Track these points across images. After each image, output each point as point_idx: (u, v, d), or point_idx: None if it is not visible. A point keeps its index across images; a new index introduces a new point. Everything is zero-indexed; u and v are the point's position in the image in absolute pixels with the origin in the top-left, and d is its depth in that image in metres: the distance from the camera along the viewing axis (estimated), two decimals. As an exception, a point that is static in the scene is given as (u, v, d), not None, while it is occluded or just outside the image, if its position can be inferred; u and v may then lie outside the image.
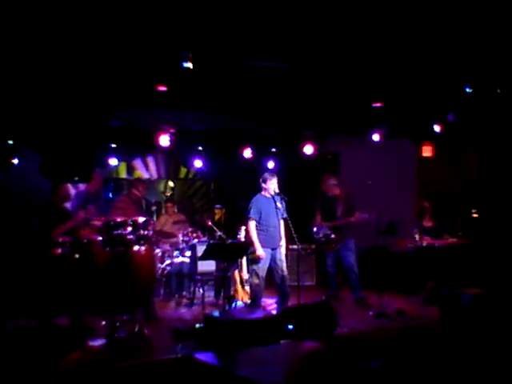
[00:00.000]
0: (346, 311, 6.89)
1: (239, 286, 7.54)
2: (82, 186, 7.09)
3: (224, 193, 10.52)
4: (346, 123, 8.68)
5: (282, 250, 6.82)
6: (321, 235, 7.59)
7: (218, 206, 8.93)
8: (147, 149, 9.62)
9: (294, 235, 6.56)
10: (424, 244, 7.94)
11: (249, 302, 7.13)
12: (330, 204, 7.82)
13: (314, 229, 7.69)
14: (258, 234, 6.68)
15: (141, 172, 10.42)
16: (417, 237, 7.93)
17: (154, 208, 8.72)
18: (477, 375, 3.98)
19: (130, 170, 10.30)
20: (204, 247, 6.23)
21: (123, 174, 10.24)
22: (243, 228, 7.29)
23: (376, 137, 8.66)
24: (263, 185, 6.79)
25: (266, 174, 6.92)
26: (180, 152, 9.86)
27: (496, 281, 7.22)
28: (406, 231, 7.96)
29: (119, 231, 5.89)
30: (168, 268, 8.16)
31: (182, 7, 4.55)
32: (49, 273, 5.93)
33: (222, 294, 6.64)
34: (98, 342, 5.47)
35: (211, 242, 7.61)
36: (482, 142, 8.67)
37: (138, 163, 10.37)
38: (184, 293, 8.13)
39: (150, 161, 10.54)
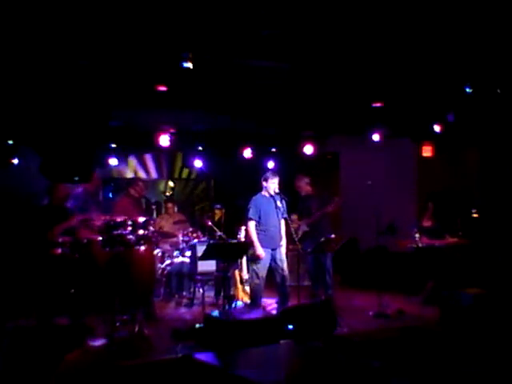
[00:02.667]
0: (345, 311, 6.90)
1: (239, 286, 7.54)
2: (80, 186, 7.07)
3: (224, 193, 10.53)
4: (346, 123, 8.68)
5: (283, 250, 6.81)
6: (300, 234, 7.49)
7: (217, 205, 8.92)
8: (147, 149, 9.63)
9: (294, 235, 6.56)
10: (424, 244, 7.94)
11: (249, 302, 7.13)
12: (306, 203, 7.78)
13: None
14: (258, 234, 6.68)
15: (141, 172, 10.45)
16: (417, 237, 7.93)
17: (154, 208, 8.73)
18: (477, 375, 3.98)
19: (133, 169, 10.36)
20: (204, 247, 6.22)
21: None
22: (243, 228, 7.29)
23: (376, 137, 8.66)
24: (264, 183, 6.79)
25: (269, 173, 6.91)
26: (180, 152, 9.87)
27: (496, 281, 7.22)
28: (406, 231, 7.97)
29: (119, 231, 5.89)
30: (168, 268, 8.16)
31: (181, 7, 4.55)
32: (49, 273, 5.92)
33: (222, 294, 6.64)
34: (98, 342, 5.47)
35: (211, 241, 7.61)
36: (482, 142, 8.67)
37: (137, 163, 10.42)
38: (184, 293, 8.13)
39: (150, 161, 10.58)
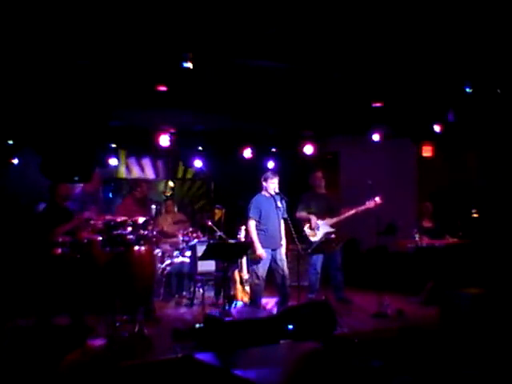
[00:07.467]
0: (345, 311, 6.89)
1: (239, 286, 7.54)
2: (79, 186, 7.11)
3: (224, 193, 10.52)
4: (346, 123, 8.69)
5: (283, 250, 6.81)
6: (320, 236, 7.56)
7: (218, 206, 8.91)
8: (147, 149, 9.64)
9: (294, 235, 6.56)
10: (424, 244, 7.94)
11: (249, 301, 7.13)
12: (324, 201, 7.86)
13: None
14: (258, 234, 6.68)
15: (139, 172, 10.46)
16: (417, 237, 7.93)
17: (153, 208, 8.73)
18: (476, 375, 3.98)
19: (131, 170, 10.35)
20: (204, 247, 6.22)
21: (123, 174, 10.29)
22: (243, 228, 7.29)
23: (376, 137, 8.66)
24: (264, 183, 6.80)
25: (269, 173, 6.92)
26: (180, 152, 9.87)
27: (496, 281, 7.21)
28: (406, 231, 7.96)
29: (119, 231, 5.90)
30: (168, 268, 8.16)
31: (182, 7, 4.55)
32: (49, 273, 5.92)
33: (221, 293, 6.64)
34: (98, 342, 5.47)
35: (211, 242, 7.60)
36: (482, 142, 8.67)
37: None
38: (184, 293, 8.13)
39: (149, 161, 10.58)
